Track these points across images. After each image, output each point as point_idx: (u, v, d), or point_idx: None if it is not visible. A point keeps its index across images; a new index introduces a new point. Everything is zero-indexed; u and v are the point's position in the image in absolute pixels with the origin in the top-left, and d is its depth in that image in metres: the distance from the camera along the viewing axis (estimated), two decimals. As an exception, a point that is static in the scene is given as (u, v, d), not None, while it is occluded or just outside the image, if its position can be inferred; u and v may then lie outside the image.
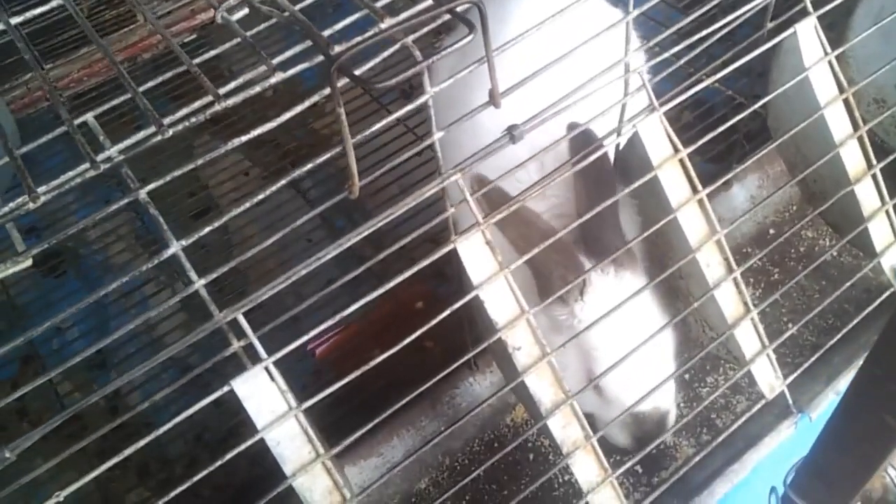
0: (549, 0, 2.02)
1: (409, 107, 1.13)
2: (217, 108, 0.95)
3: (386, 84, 0.92)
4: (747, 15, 1.49)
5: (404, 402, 1.28)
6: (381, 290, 1.23)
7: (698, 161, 2.31)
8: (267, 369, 1.20)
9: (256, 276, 2.42)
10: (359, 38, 1.00)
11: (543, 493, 1.81)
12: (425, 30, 1.03)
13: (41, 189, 0.92)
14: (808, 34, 1.62)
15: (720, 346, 1.58)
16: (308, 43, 1.05)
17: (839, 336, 1.65)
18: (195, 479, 1.11)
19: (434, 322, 1.27)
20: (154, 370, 2.26)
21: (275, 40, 2.84)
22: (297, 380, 1.25)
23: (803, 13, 1.62)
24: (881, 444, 0.97)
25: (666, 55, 1.44)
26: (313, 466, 1.23)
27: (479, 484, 1.85)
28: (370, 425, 1.25)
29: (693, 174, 1.48)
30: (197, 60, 1.04)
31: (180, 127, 0.94)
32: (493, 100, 1.13)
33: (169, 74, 1.10)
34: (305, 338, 1.20)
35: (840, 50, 1.65)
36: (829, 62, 1.64)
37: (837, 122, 1.66)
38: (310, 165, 1.05)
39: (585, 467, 1.40)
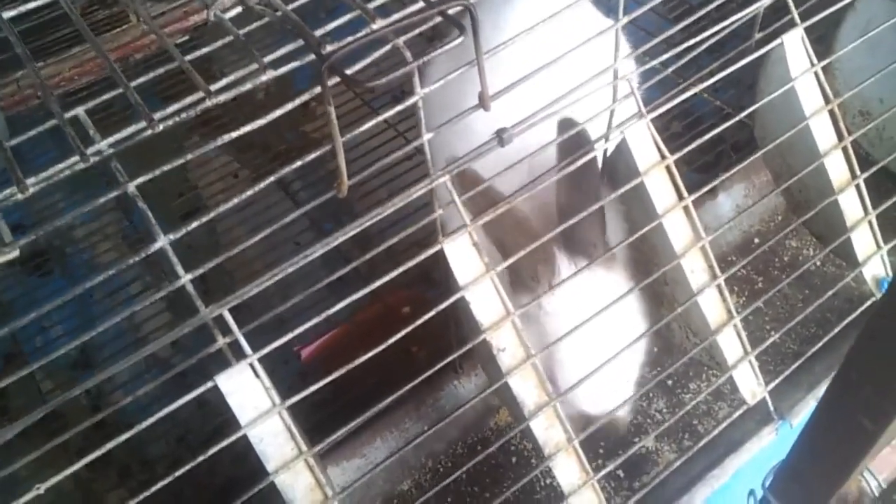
0: (544, 7, 2.06)
1: (399, 107, 1.14)
2: (208, 103, 0.96)
3: (376, 83, 0.93)
4: (735, 26, 1.51)
5: (388, 402, 1.29)
6: (367, 290, 1.23)
7: (686, 171, 2.34)
8: (252, 366, 1.20)
9: (243, 277, 2.41)
10: (350, 38, 1.01)
11: (525, 495, 1.81)
12: (417, 31, 1.04)
13: (30, 180, 0.92)
14: (794, 45, 1.65)
15: (703, 351, 1.59)
16: (300, 42, 1.06)
17: (820, 344, 1.67)
18: (177, 473, 1.11)
19: (420, 322, 1.28)
20: (138, 370, 2.27)
21: (267, 43, 2.84)
22: (282, 382, 1.26)
23: (791, 24, 1.65)
24: (857, 448, 0.98)
25: (654, 63, 1.46)
26: (296, 463, 1.24)
27: (462, 486, 1.86)
28: (355, 424, 1.26)
29: (679, 181, 1.50)
30: (189, 57, 1.04)
31: (171, 122, 0.95)
32: (483, 103, 1.15)
33: (161, 70, 1.11)
34: (291, 335, 1.21)
35: (826, 61, 1.67)
36: (816, 73, 1.66)
37: (823, 132, 1.68)
38: (298, 163, 1.06)
39: (567, 470, 1.41)
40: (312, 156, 1.08)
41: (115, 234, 2.72)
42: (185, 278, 1.09)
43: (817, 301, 1.63)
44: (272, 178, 1.06)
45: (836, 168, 1.70)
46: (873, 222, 1.74)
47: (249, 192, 1.04)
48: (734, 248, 2.22)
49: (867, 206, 1.73)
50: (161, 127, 0.95)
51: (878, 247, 1.75)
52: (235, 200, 1.03)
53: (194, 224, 1.04)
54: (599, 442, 1.76)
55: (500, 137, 1.25)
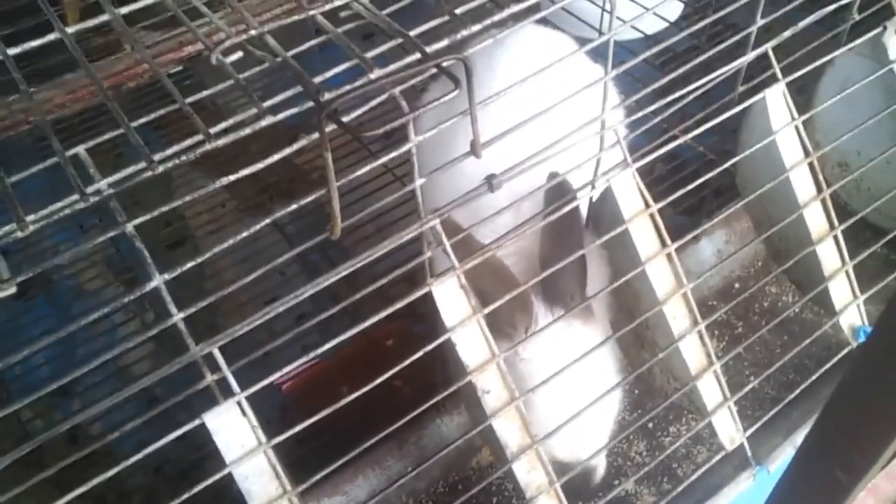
0: (534, 51, 2.10)
1: (393, 154, 1.16)
2: (207, 147, 0.98)
3: (373, 133, 0.96)
4: (721, 78, 1.56)
5: (371, 443, 1.30)
6: (354, 330, 1.25)
7: (670, 213, 2.38)
8: (239, 404, 1.21)
9: (228, 310, 2.42)
10: (347, 87, 1.04)
11: (506, 536, 1.82)
12: (413, 81, 1.07)
13: (29, 218, 0.94)
14: (776, 99, 1.70)
15: (684, 396, 1.62)
16: (298, 88, 1.08)
17: (798, 391, 1.70)
18: (162, 511, 1.11)
19: (406, 363, 1.29)
20: (118, 399, 2.25)
21: (264, 82, 2.86)
22: (263, 413, 1.26)
23: (773, 79, 1.70)
24: (832, 499, 1.01)
25: (641, 114, 1.50)
26: (280, 502, 1.24)
27: (442, 526, 1.86)
28: (337, 464, 1.26)
29: (662, 228, 1.53)
30: (190, 99, 1.06)
31: (170, 164, 0.97)
32: (475, 150, 1.18)
33: (161, 112, 1.13)
34: (279, 374, 1.22)
35: (805, 117, 1.72)
36: (796, 127, 1.71)
37: (802, 184, 1.73)
38: (294, 206, 1.08)
39: (549, 512, 1.42)
40: (306, 200, 1.10)
41: (101, 262, 2.71)
42: (178, 317, 1.10)
43: (796, 348, 1.66)
44: (267, 221, 1.07)
45: (815, 218, 1.74)
46: (850, 272, 1.78)
47: (245, 234, 1.06)
48: (715, 293, 2.25)
49: (844, 257, 1.77)
50: (161, 168, 0.96)
51: (855, 296, 1.79)
52: (231, 242, 1.05)
53: (189, 264, 1.05)
54: (580, 485, 1.76)
55: (490, 183, 1.28)
